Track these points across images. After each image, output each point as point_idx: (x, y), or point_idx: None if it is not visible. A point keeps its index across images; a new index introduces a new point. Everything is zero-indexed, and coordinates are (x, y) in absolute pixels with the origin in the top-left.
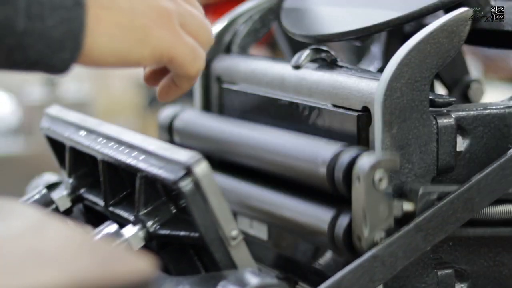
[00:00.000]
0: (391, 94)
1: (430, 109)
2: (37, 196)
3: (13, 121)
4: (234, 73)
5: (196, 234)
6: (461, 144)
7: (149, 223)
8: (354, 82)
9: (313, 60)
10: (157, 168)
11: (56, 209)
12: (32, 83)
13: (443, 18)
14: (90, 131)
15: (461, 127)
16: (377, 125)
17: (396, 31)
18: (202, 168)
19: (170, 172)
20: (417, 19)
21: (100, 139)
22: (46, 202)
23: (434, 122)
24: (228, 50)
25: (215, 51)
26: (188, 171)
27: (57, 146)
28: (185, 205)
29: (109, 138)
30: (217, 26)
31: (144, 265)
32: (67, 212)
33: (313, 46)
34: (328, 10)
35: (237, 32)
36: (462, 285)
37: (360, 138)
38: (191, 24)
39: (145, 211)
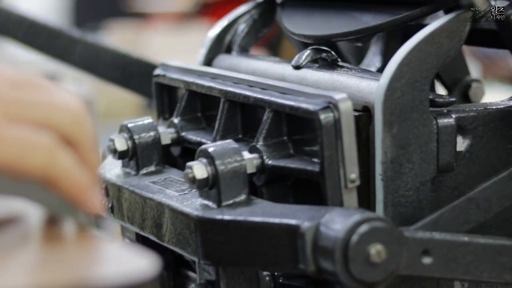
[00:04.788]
0: (391, 94)
1: (430, 109)
2: (141, 122)
3: None
4: None
5: (316, 169)
6: (461, 143)
7: (266, 155)
8: (354, 82)
9: (313, 60)
10: (294, 102)
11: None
12: None
13: (444, 18)
14: (215, 76)
15: (461, 127)
16: (377, 125)
17: (396, 31)
18: (346, 105)
19: (311, 104)
20: (417, 19)
21: (229, 82)
22: (149, 128)
23: (434, 122)
24: (229, 50)
25: (216, 51)
26: (332, 104)
27: (165, 93)
28: (314, 137)
29: (239, 81)
30: (218, 27)
31: (146, 264)
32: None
33: (314, 46)
34: (328, 10)
35: (238, 32)
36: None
37: (360, 138)
38: (25, 111)
39: (264, 143)
